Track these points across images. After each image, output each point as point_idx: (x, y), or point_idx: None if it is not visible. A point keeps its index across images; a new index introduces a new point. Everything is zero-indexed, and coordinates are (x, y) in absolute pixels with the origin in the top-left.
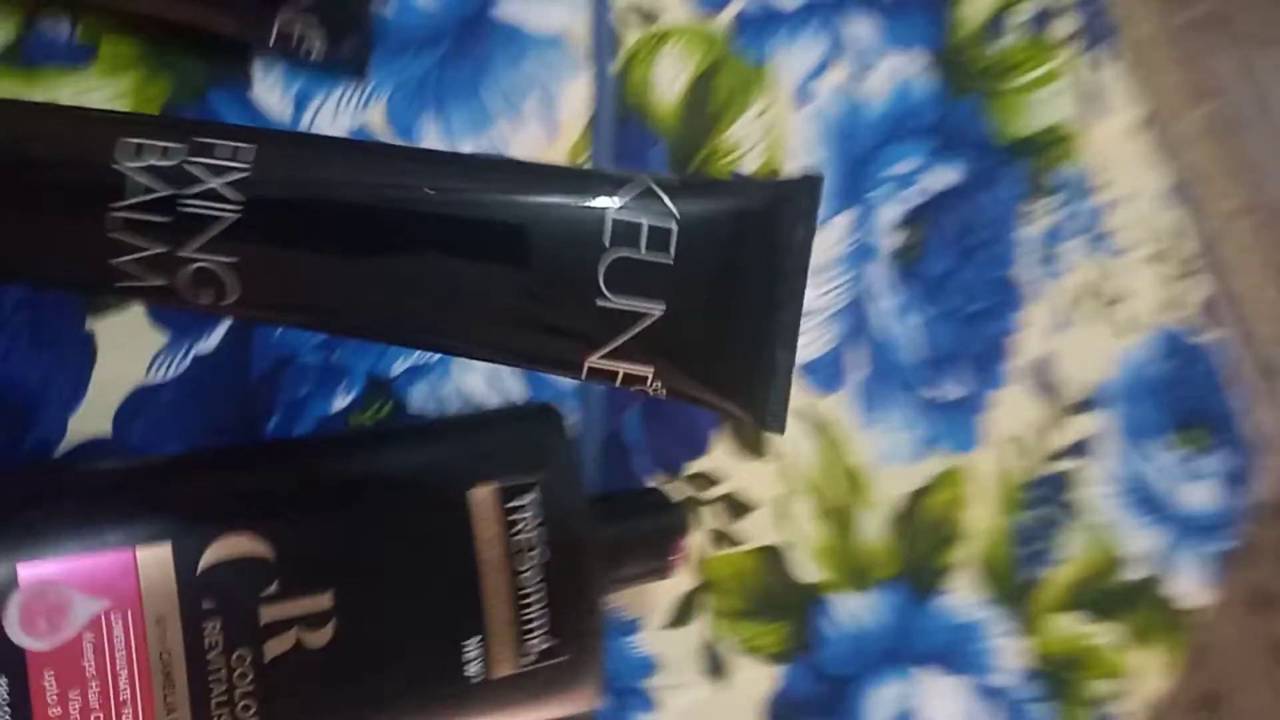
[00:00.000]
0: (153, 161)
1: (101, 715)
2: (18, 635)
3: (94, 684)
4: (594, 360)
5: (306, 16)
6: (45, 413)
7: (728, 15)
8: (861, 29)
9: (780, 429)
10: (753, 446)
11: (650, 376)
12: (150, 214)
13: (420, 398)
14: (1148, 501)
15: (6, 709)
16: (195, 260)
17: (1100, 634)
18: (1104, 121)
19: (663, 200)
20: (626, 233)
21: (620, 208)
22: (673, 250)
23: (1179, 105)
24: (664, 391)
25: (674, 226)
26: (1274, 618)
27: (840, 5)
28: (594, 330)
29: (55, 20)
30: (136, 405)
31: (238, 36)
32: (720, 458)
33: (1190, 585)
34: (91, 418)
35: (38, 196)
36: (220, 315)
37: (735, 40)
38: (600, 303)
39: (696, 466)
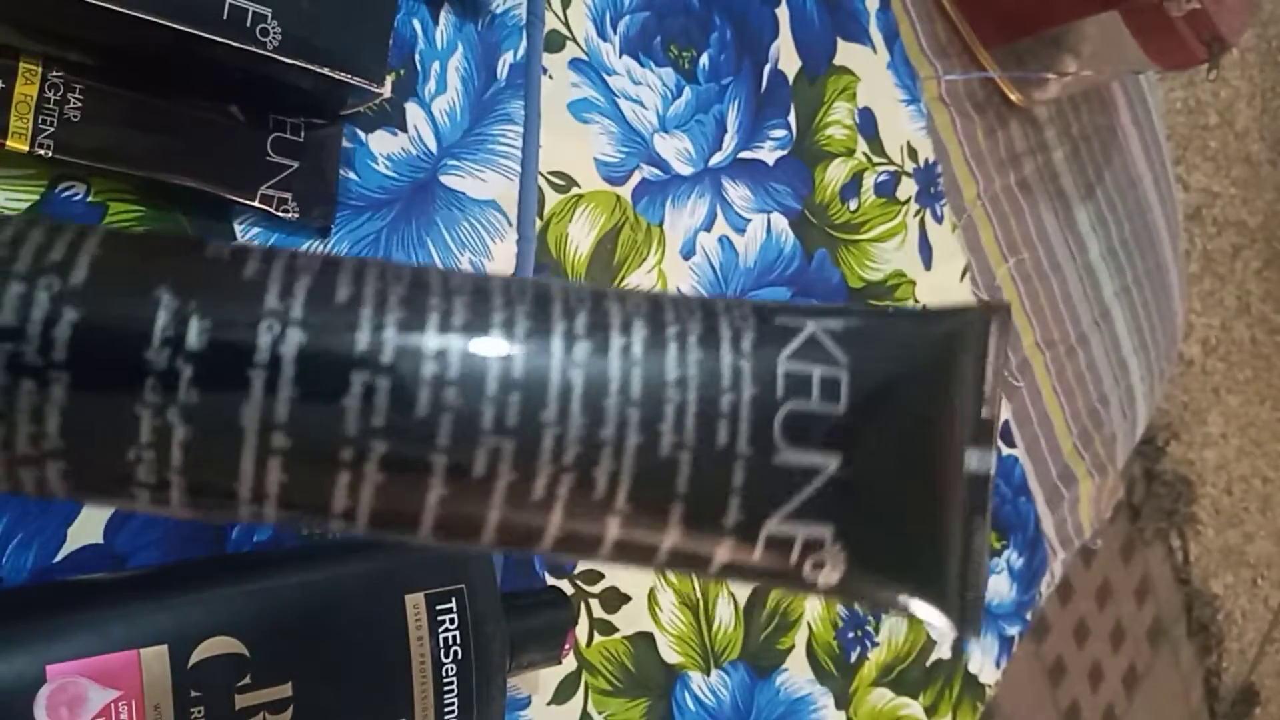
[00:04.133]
0: None
1: None
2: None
3: None
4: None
5: (282, 192)
6: (47, 524)
7: (632, 183)
8: (739, 191)
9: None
10: None
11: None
12: None
13: None
14: None
15: None
16: None
17: (909, 706)
18: (934, 270)
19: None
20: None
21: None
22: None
23: (995, 256)
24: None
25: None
26: (1067, 685)
27: (723, 173)
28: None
29: (71, 185)
30: (122, 517)
31: (227, 199)
32: None
33: (986, 663)
34: (86, 527)
35: None
36: None
37: (637, 203)
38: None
39: (584, 564)
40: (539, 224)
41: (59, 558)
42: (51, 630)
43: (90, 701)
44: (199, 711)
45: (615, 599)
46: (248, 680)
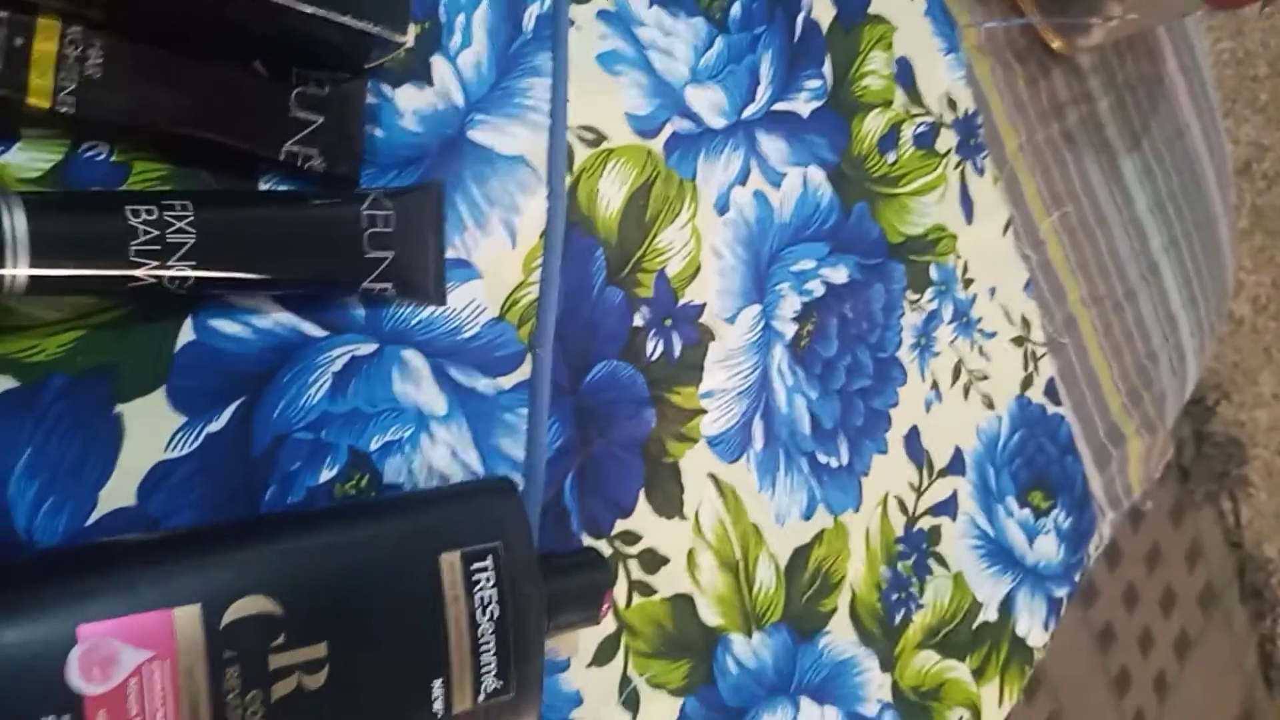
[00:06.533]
0: None
1: None
2: (76, 682)
3: None
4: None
5: (308, 148)
6: (78, 488)
7: (663, 136)
8: (774, 145)
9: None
10: (669, 508)
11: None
12: None
13: (393, 470)
14: (998, 553)
15: None
16: None
17: (956, 668)
18: (976, 225)
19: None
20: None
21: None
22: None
23: (1039, 209)
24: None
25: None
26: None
27: (757, 125)
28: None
29: (94, 146)
30: (158, 478)
31: (251, 154)
32: (641, 517)
33: (1035, 625)
34: (118, 490)
35: None
36: None
37: (669, 157)
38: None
39: (622, 525)
40: (569, 180)
41: (90, 522)
42: (82, 591)
43: (123, 662)
44: (233, 672)
45: (654, 560)
46: (282, 640)
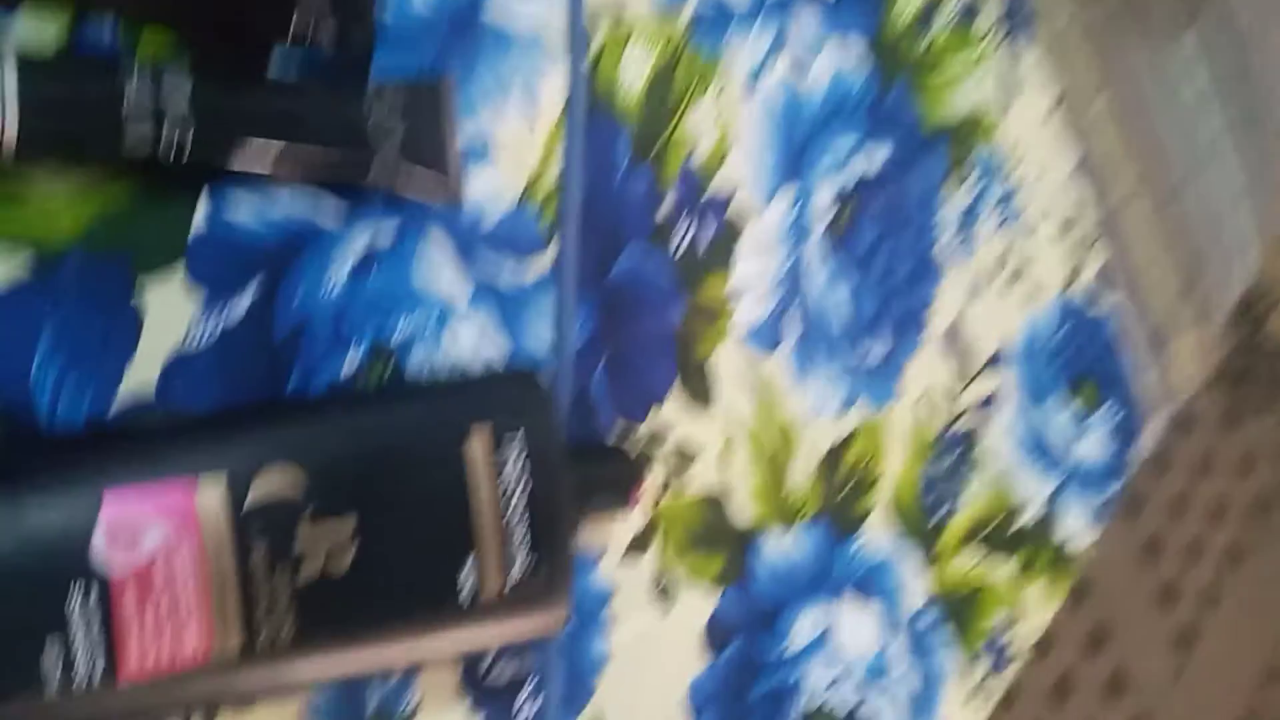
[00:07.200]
0: None
1: (170, 622)
2: (101, 556)
3: (164, 597)
4: None
5: (316, 24)
6: (100, 371)
7: (686, 13)
8: (804, 23)
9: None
10: (701, 401)
11: None
12: None
13: (416, 362)
14: (1043, 452)
15: (95, 615)
16: None
17: (996, 570)
18: (1019, 107)
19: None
20: None
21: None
22: None
23: (1088, 92)
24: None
25: None
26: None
27: (785, 2)
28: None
29: (99, 24)
30: (178, 364)
31: (260, 33)
32: (673, 410)
33: (1078, 528)
34: (140, 376)
35: None
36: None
37: (692, 36)
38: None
39: (653, 418)
40: (588, 60)
41: (113, 408)
42: (106, 467)
43: (148, 536)
44: (260, 544)
45: (686, 454)
46: (309, 518)
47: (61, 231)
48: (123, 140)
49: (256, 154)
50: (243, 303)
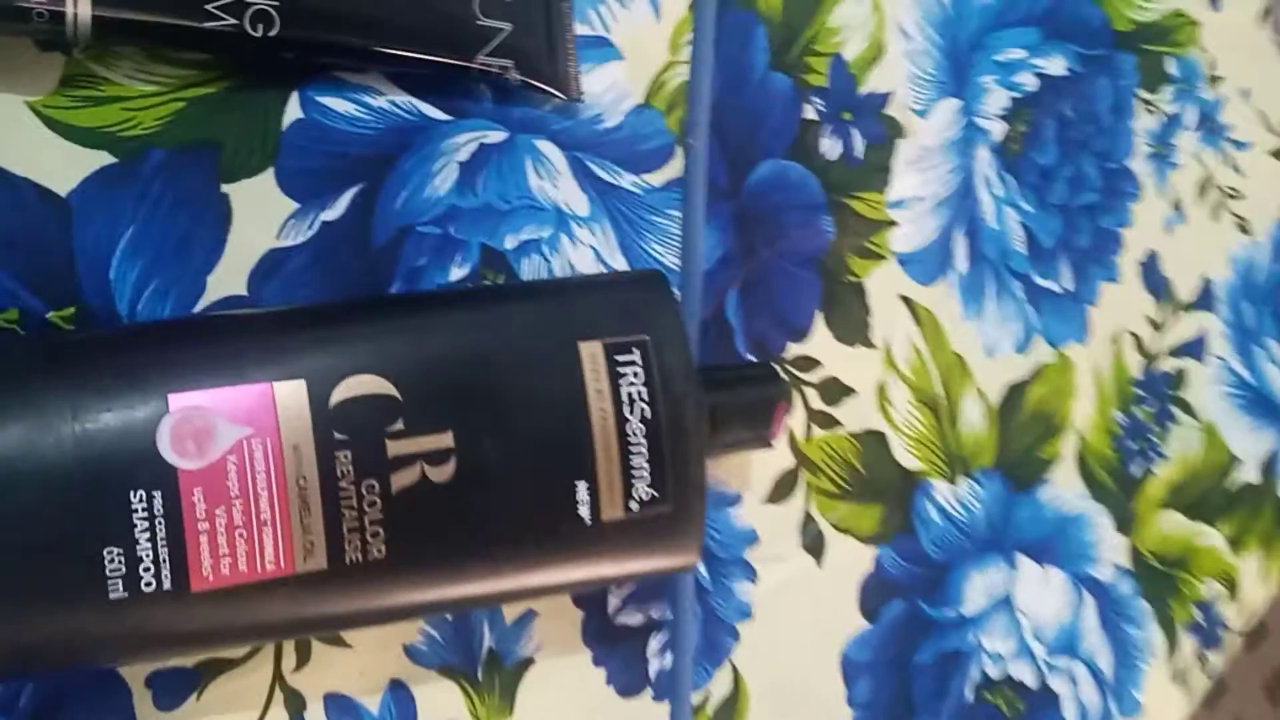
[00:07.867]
0: None
1: (245, 532)
2: (169, 455)
3: (237, 503)
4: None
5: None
6: (185, 272)
7: None
8: None
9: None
10: (852, 334)
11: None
12: None
13: (530, 271)
14: (1259, 403)
15: (161, 521)
16: None
17: (1208, 534)
18: (1225, 9)
19: None
20: None
21: None
22: None
23: None
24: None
25: None
26: None
27: None
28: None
29: None
30: (269, 267)
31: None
32: (820, 342)
33: None
34: (227, 278)
35: None
36: None
37: None
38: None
39: (797, 350)
40: None
41: (197, 309)
42: (176, 361)
43: (220, 437)
44: (345, 455)
45: (836, 391)
46: (400, 426)
47: (141, 125)
48: (202, 15)
49: (352, 42)
50: (340, 202)
